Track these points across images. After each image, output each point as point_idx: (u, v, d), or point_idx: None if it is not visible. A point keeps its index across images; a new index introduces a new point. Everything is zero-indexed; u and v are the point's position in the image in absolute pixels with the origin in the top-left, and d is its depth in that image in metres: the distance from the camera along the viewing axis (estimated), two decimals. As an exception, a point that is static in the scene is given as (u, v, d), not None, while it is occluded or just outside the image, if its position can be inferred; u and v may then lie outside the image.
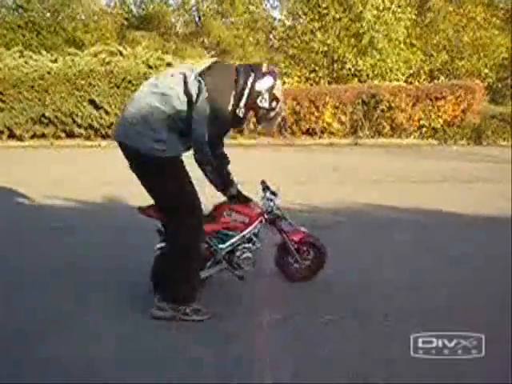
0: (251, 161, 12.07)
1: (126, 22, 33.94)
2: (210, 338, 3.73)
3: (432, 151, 16.19)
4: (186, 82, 3.73)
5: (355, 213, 7.65)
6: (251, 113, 4.04)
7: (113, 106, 17.17)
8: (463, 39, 26.81)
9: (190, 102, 3.73)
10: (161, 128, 3.71)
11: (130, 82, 17.11)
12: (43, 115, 17.25)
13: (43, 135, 17.58)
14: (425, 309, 4.18)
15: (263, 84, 3.92)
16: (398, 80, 23.28)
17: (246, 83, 3.89)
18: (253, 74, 3.92)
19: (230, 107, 3.83)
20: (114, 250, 5.68)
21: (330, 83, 23.56)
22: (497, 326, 3.84)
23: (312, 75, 25.13)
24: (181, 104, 3.72)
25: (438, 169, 12.18)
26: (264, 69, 3.99)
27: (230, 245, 4.28)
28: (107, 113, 17.25)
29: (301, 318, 4.05)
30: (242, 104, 3.89)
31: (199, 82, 3.73)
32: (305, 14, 25.88)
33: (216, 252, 4.27)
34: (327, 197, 8.52)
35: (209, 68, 3.88)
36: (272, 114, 4.03)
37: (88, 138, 17.67)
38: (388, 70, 24.27)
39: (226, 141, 4.22)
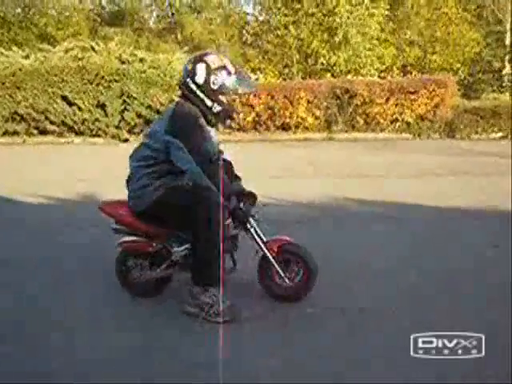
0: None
1: (98, 18, 33.72)
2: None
3: (406, 145, 16.28)
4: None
5: (330, 207, 7.67)
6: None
7: (86, 103, 17.01)
8: (435, 34, 27.00)
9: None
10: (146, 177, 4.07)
11: (103, 77, 16.95)
12: (15, 112, 17.05)
13: (15, 132, 17.37)
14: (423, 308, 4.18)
15: (200, 74, 4.08)
16: (371, 75, 23.40)
17: (190, 89, 4.10)
18: (188, 79, 4.11)
19: (202, 124, 4.12)
20: (88, 248, 5.64)
21: (303, 78, 23.55)
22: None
23: (286, 70, 25.13)
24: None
25: (414, 162, 12.26)
26: (189, 67, 4.15)
27: (185, 249, 4.11)
28: (80, 109, 17.08)
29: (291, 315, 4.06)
30: (209, 103, 4.11)
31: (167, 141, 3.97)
32: (278, 9, 25.85)
33: (171, 254, 4.14)
34: (302, 191, 8.54)
35: (171, 117, 4.05)
36: (232, 77, 4.13)
37: (61, 134, 17.48)
38: (361, 65, 24.35)
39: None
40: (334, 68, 24.19)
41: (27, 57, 17.89)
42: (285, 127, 18.48)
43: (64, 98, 17.07)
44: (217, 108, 4.11)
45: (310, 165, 11.94)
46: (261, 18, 28.41)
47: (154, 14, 36.81)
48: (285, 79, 23.41)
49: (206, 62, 4.08)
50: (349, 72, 23.72)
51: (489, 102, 19.93)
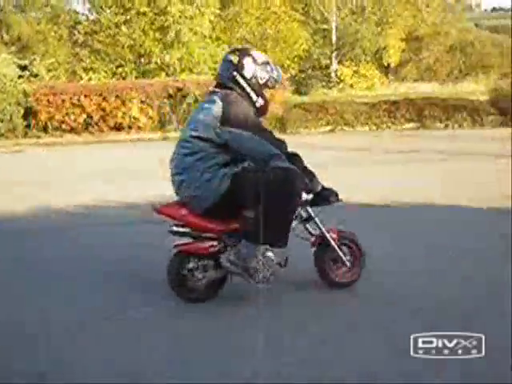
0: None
1: None
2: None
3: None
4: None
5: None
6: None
7: None
8: (266, 32, 27.75)
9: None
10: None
11: None
12: None
13: None
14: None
15: (248, 67, 4.11)
16: (205, 73, 23.63)
17: (238, 83, 4.10)
18: (235, 72, 4.10)
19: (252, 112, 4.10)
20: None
21: (137, 78, 23.38)
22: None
23: (119, 70, 24.82)
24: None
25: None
26: (234, 59, 4.13)
27: None
28: None
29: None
30: (254, 97, 4.13)
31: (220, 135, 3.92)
32: (109, 8, 25.51)
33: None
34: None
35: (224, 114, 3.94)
36: (275, 72, 4.24)
37: None
38: (195, 64, 24.55)
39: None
40: (168, 67, 24.21)
41: None
42: (118, 128, 18.20)
43: None
44: (260, 102, 4.16)
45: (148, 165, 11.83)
46: (92, 17, 27.89)
47: (-22, 13, 35.05)
48: (118, 79, 23.12)
49: (252, 57, 4.15)
50: (183, 71, 23.86)
51: (317, 97, 20.81)
